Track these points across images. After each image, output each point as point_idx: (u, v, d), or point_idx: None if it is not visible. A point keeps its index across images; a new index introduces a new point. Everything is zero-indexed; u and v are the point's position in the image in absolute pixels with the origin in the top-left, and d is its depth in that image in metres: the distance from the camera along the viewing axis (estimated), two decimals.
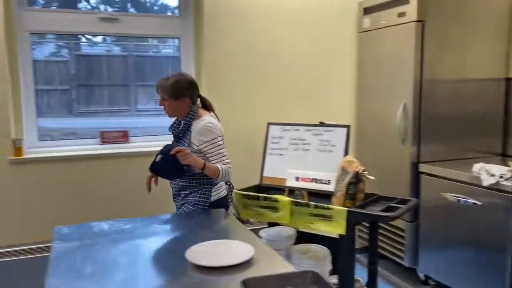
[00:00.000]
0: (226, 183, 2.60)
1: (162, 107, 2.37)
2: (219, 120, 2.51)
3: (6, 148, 2.78)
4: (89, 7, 3.34)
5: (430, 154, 3.08)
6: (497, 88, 3.21)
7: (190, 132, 2.35)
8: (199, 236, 1.92)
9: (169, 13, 3.51)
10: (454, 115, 3.11)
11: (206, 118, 2.37)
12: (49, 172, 2.78)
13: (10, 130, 2.78)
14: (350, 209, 2.32)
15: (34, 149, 2.99)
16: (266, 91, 3.40)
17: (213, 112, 2.52)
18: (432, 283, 3.05)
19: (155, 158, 2.28)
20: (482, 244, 2.63)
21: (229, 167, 2.37)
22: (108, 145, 3.15)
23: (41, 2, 3.00)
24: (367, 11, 3.47)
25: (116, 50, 3.80)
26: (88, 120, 3.69)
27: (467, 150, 3.16)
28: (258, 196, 2.66)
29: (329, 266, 2.62)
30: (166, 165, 2.23)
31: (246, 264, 1.58)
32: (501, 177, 2.47)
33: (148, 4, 3.62)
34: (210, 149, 2.32)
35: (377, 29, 3.35)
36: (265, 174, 2.92)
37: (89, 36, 3.59)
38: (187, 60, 3.35)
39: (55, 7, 3.17)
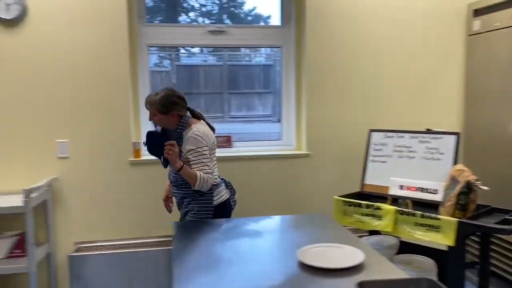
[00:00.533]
0: (227, 186, 2.61)
1: (152, 121, 2.44)
2: (212, 128, 2.55)
3: (128, 150, 3.09)
4: (188, 20, 3.59)
5: None
6: None
7: (182, 142, 2.41)
8: (303, 239, 1.97)
9: (262, 22, 3.64)
10: None
11: (195, 127, 2.42)
12: (162, 173, 3.03)
13: (130, 133, 3.09)
14: (460, 220, 2.22)
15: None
16: (367, 97, 3.37)
17: (204, 120, 2.56)
18: None
19: (155, 127, 2.40)
20: None
21: (209, 177, 2.35)
22: None
23: (147, 17, 3.30)
24: (477, 12, 3.29)
25: (212, 60, 4.02)
26: None
27: None
28: (360, 203, 2.65)
29: (435, 279, 2.52)
30: (155, 140, 2.30)
31: (358, 268, 1.59)
32: None
33: (242, 15, 3.79)
34: (193, 157, 2.34)
35: (489, 31, 3.15)
36: (367, 181, 2.89)
37: (187, 48, 3.85)
38: (288, 68, 3.44)
39: (158, 21, 3.47)
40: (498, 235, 2.93)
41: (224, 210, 2.51)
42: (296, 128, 3.45)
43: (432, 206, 2.52)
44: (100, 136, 3.05)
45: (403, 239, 2.79)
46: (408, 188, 2.68)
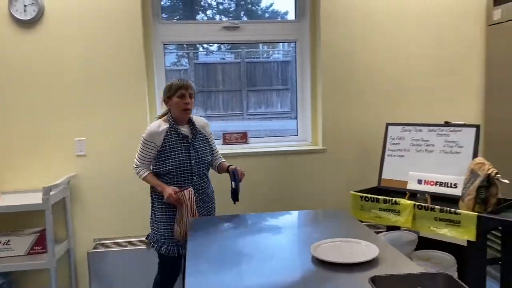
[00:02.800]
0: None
1: (188, 103, 2.48)
2: None
3: None
4: (205, 18, 3.60)
5: None
6: None
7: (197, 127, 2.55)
8: (319, 234, 1.95)
9: (279, 18, 3.62)
10: None
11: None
12: None
13: (146, 125, 3.10)
14: (481, 215, 2.17)
15: None
16: (384, 91, 3.31)
17: None
18: None
19: (232, 186, 2.46)
20: None
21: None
22: (229, 146, 3.35)
23: (164, 16, 3.31)
24: (497, 1, 3.19)
25: (230, 57, 4.02)
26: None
27: None
28: (377, 198, 2.61)
29: (455, 275, 2.46)
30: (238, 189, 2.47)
31: (372, 263, 1.57)
32: None
33: (260, 12, 3.77)
34: (214, 140, 2.65)
35: (510, 20, 3.06)
36: (384, 176, 2.85)
37: (205, 45, 3.85)
38: (303, 62, 3.41)
39: (175, 19, 3.47)
40: None
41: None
42: (311, 123, 3.42)
43: (452, 201, 2.46)
44: (117, 133, 3.09)
45: (422, 235, 2.74)
46: (427, 183, 2.63)
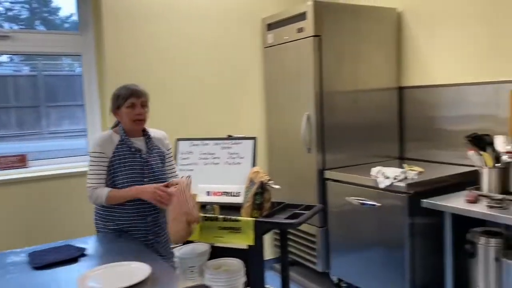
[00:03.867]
0: None
1: (141, 113, 2.24)
2: None
3: None
4: None
5: (334, 161, 3.23)
6: (391, 97, 3.47)
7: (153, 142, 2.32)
8: (103, 260, 1.83)
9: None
10: (354, 123, 3.30)
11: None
12: None
13: None
14: (256, 219, 2.36)
15: None
16: (174, 105, 3.37)
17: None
18: (343, 285, 3.18)
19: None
20: (384, 244, 2.79)
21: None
22: (4, 171, 2.92)
23: None
24: (270, 26, 3.60)
25: (26, 69, 3.60)
26: None
27: (368, 156, 3.36)
28: None
29: (243, 278, 2.63)
30: None
31: (141, 285, 1.53)
32: (395, 178, 2.66)
33: (58, 21, 3.47)
34: (172, 157, 2.47)
35: (280, 44, 3.48)
36: None
37: None
38: (89, 77, 3.23)
39: None
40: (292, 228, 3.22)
41: None
42: None
43: (238, 209, 2.62)
44: None
45: (212, 244, 2.84)
46: (215, 194, 2.74)
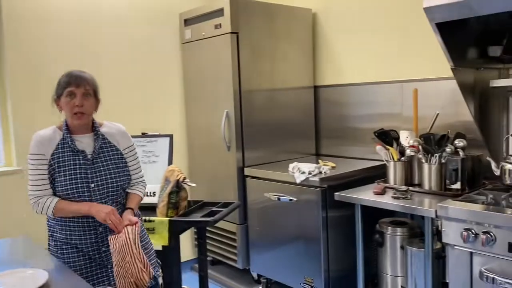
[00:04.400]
0: None
1: (81, 105, 1.85)
2: None
3: None
4: None
5: (254, 158, 3.25)
6: (308, 95, 3.56)
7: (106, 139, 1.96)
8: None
9: None
10: (272, 121, 3.34)
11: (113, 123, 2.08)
12: None
13: None
14: (171, 219, 2.30)
15: None
16: None
17: None
18: (263, 280, 3.21)
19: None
20: (300, 237, 2.86)
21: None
22: None
23: None
24: (187, 22, 3.53)
25: None
26: None
27: (287, 152, 3.42)
28: None
29: (159, 280, 2.55)
30: None
31: None
32: (309, 173, 2.73)
33: None
34: (135, 157, 2.11)
35: (198, 40, 3.43)
36: None
37: None
38: None
39: None
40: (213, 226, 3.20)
41: None
42: (4, 142, 2.98)
43: (154, 209, 2.53)
44: None
45: None
46: None
